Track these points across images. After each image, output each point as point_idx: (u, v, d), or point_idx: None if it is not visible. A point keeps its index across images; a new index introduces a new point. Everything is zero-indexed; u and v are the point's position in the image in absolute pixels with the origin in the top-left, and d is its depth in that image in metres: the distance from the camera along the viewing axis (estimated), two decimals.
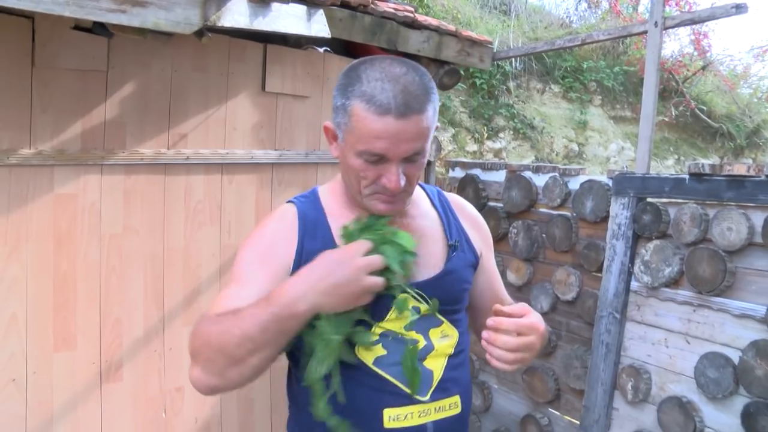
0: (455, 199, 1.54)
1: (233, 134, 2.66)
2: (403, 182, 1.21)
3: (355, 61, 1.26)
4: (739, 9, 2.48)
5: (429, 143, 1.24)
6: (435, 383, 1.32)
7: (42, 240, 2.23)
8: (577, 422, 2.93)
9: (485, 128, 6.49)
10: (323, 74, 2.91)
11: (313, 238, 1.31)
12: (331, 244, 1.29)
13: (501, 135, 6.71)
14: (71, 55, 2.20)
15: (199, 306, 2.63)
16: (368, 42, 2.90)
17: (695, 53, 9.05)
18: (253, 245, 1.33)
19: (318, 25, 2.51)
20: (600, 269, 2.82)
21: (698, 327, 2.39)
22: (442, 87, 3.48)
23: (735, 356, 2.23)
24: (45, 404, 2.28)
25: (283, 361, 2.93)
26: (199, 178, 2.58)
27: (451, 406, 1.34)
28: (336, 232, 1.32)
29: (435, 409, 1.32)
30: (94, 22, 2.18)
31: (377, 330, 1.29)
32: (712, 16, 2.67)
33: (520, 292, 3.24)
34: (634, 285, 2.66)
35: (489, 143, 6.57)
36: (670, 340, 2.49)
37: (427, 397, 1.31)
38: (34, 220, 2.21)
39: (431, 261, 1.36)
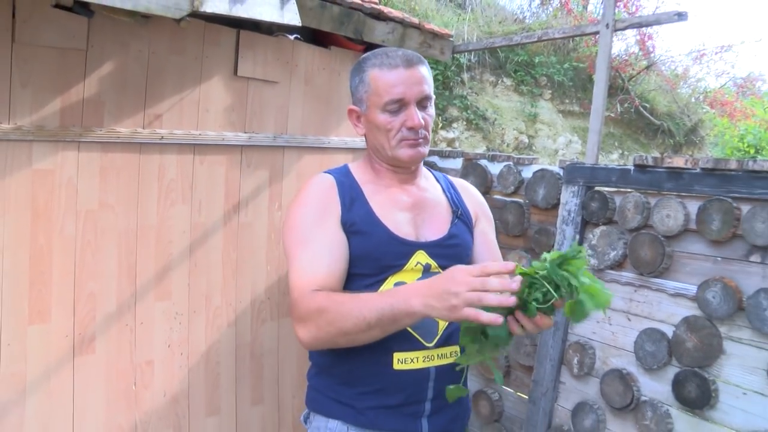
0: (459, 182, 1.77)
1: (206, 116, 2.73)
2: (422, 121, 1.48)
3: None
4: (681, 16, 2.71)
5: (433, 97, 1.53)
6: (440, 332, 1.49)
7: (20, 214, 2.27)
8: (526, 396, 3.12)
9: (439, 118, 6.65)
10: (292, 60, 3.01)
11: (350, 198, 1.51)
12: (364, 205, 1.51)
13: (454, 125, 6.88)
14: (51, 32, 2.24)
15: (170, 281, 2.71)
16: (336, 31, 3.00)
17: (640, 53, 9.41)
18: (304, 209, 1.49)
19: (290, 14, 2.61)
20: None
21: (638, 305, 2.61)
22: None
23: (669, 331, 2.45)
24: (18, 375, 2.32)
25: (245, 338, 3.01)
26: (173, 157, 2.65)
27: (452, 354, 1.51)
28: (367, 194, 1.52)
29: (438, 355, 1.49)
30: (75, 1, 2.24)
31: (392, 279, 1.47)
32: (657, 21, 2.90)
33: None
34: None
35: (443, 133, 6.75)
36: (614, 318, 2.71)
37: (432, 344, 1.48)
38: (12, 194, 2.24)
39: (438, 225, 1.58)
